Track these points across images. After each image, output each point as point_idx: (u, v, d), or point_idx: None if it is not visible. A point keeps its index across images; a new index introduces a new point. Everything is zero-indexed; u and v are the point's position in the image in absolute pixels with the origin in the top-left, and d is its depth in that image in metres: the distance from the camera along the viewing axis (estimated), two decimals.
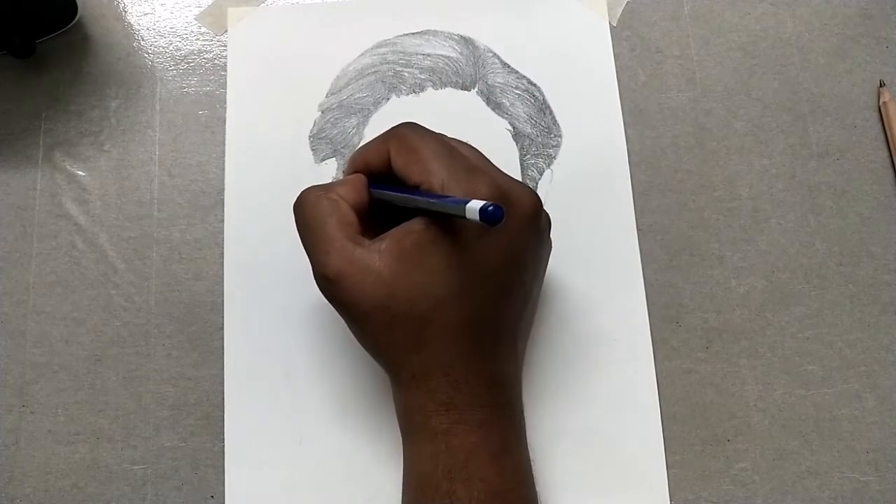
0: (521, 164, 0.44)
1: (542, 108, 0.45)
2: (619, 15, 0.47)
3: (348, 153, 0.44)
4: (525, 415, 0.37)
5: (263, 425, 0.40)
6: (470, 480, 0.32)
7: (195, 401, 0.41)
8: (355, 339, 0.35)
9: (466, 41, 0.46)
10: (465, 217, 0.29)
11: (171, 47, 0.46)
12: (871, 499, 0.40)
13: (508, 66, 0.46)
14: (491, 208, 0.28)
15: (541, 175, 0.44)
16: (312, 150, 0.44)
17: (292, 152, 0.44)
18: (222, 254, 0.43)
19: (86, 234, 0.43)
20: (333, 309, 0.35)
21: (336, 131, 0.45)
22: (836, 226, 0.43)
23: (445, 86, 0.45)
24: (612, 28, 0.47)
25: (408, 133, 0.35)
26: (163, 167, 0.44)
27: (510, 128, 0.45)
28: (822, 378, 0.41)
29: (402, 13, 0.47)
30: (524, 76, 0.46)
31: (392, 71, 0.45)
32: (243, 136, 0.45)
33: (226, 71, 0.46)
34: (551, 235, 0.38)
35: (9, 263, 0.43)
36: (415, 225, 0.33)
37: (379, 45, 0.46)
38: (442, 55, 0.46)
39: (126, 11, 0.47)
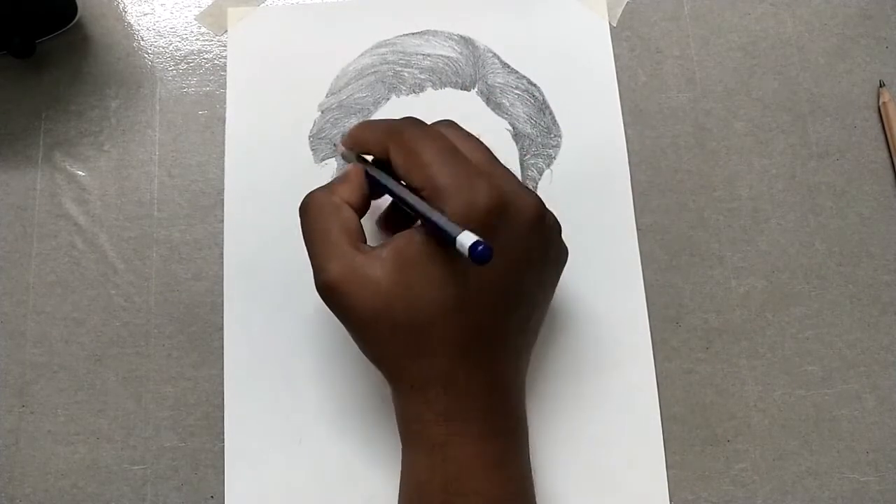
0: (521, 164, 0.44)
1: (542, 108, 0.45)
2: (619, 15, 0.47)
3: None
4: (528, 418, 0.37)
5: (263, 425, 0.40)
6: (466, 494, 0.32)
7: (195, 401, 0.41)
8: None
9: (466, 41, 0.46)
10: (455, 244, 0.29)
11: (171, 47, 0.46)
12: (871, 499, 0.40)
13: (508, 67, 0.46)
14: (481, 248, 0.28)
15: (541, 175, 0.44)
16: (312, 150, 0.44)
17: (292, 152, 0.44)
18: (222, 254, 0.43)
19: (86, 234, 0.43)
20: None
21: (336, 131, 0.45)
22: (836, 226, 0.43)
23: (445, 86, 0.45)
24: (612, 28, 0.47)
25: (409, 134, 0.34)
26: (163, 167, 0.44)
27: (510, 128, 0.45)
28: (822, 378, 0.41)
29: (402, 13, 0.47)
30: (524, 76, 0.46)
31: (392, 71, 0.45)
32: (243, 136, 0.45)
33: (226, 71, 0.46)
34: None
35: (9, 263, 0.43)
36: (416, 234, 0.32)
37: (379, 45, 0.46)
38: (442, 55, 0.46)
39: (126, 11, 0.47)
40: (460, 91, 0.45)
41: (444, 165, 0.32)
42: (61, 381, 0.41)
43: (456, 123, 0.36)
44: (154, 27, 0.47)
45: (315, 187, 0.36)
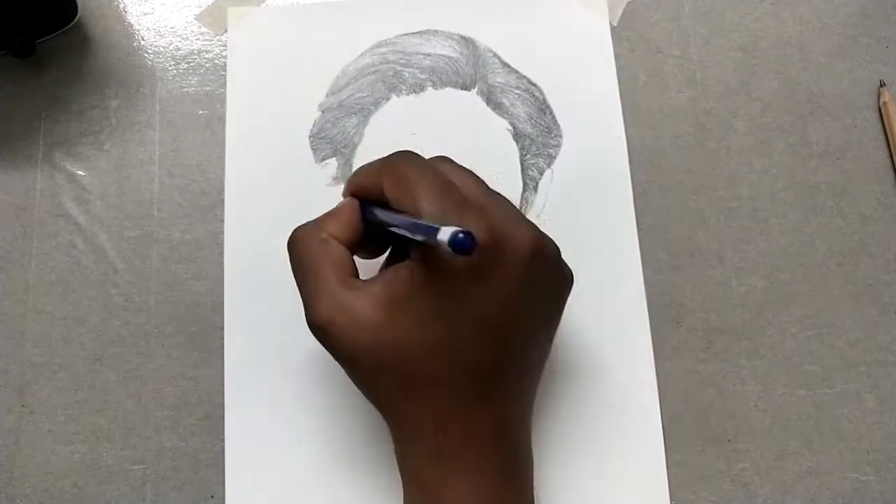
0: (522, 164, 0.44)
1: (543, 107, 0.45)
2: (619, 15, 0.47)
3: (348, 153, 0.44)
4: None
5: (263, 425, 0.40)
6: None
7: (195, 401, 0.41)
8: None
9: (466, 41, 0.46)
10: (438, 245, 0.27)
11: (171, 47, 0.46)
12: (871, 499, 0.40)
13: (508, 66, 0.46)
14: (461, 235, 0.26)
15: (541, 175, 0.44)
16: (312, 149, 0.44)
17: (292, 152, 0.44)
18: (222, 254, 0.43)
19: (86, 234, 0.43)
20: None
21: (336, 131, 0.45)
22: (836, 226, 0.43)
23: (445, 85, 0.45)
24: (612, 28, 0.47)
25: (402, 166, 0.33)
26: (163, 167, 0.44)
27: (510, 128, 0.45)
28: (822, 378, 0.41)
29: (402, 13, 0.47)
30: (524, 76, 0.46)
31: (392, 71, 0.45)
32: (243, 136, 0.45)
33: (226, 71, 0.46)
34: (554, 238, 0.35)
35: (9, 263, 0.43)
36: (403, 269, 0.31)
37: (379, 45, 0.46)
38: (442, 55, 0.46)
39: (126, 11, 0.47)
40: (460, 91, 0.45)
41: (436, 198, 0.31)
42: (61, 380, 0.41)
43: (450, 158, 0.35)
44: (154, 27, 0.47)
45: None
